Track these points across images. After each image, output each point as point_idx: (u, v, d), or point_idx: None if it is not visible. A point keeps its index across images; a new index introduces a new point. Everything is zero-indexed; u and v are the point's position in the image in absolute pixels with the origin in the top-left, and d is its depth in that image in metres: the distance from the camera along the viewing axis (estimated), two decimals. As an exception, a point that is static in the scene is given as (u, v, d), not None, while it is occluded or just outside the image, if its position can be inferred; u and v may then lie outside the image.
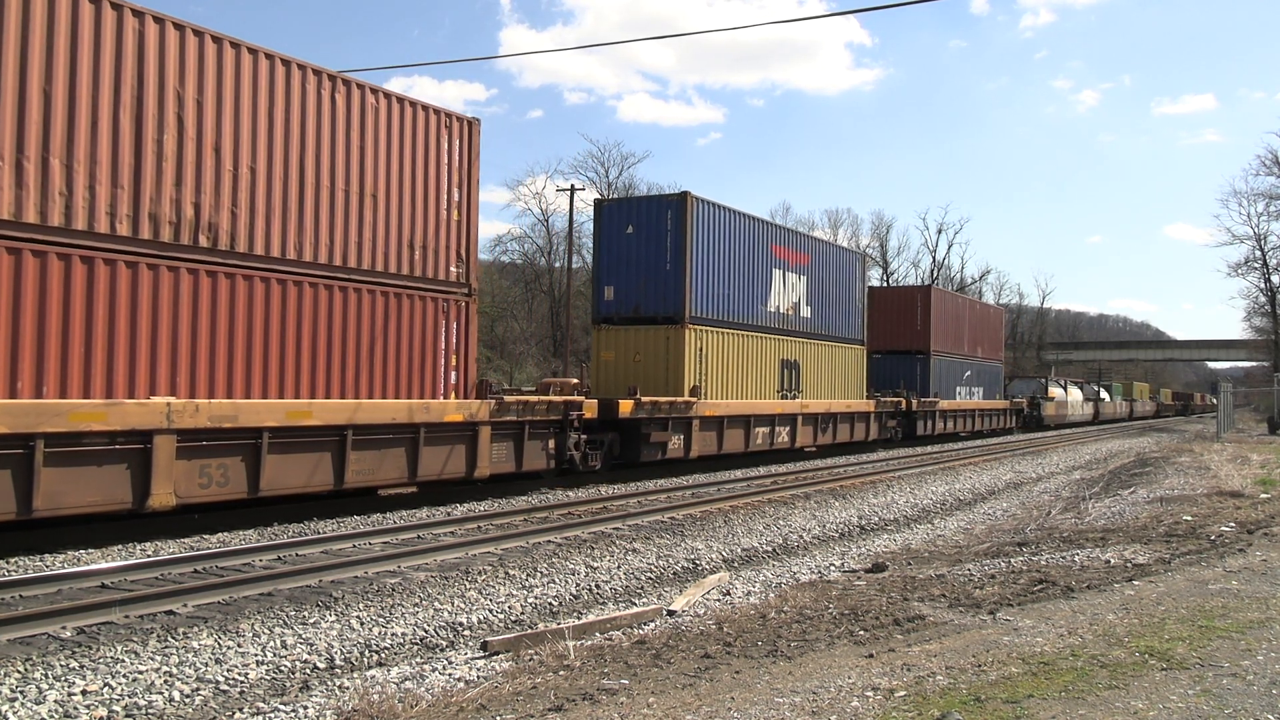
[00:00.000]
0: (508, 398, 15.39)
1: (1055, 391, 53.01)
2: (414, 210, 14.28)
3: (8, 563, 9.77)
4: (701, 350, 20.69)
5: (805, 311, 25.34)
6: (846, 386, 27.47)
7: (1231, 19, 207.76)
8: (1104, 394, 65.49)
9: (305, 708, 5.87)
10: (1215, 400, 51.65)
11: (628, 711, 5.12)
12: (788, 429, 24.12)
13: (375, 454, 13.29)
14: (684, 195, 20.47)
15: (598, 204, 22.59)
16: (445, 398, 14.53)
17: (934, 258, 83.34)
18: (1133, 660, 5.52)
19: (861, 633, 6.82)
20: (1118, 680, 5.12)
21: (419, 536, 11.61)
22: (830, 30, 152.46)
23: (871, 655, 5.99)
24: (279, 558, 10.11)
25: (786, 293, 24.43)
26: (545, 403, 16.22)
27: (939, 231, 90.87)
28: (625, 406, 18.09)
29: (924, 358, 34.30)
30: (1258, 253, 54.63)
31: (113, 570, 9.09)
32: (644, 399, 18.59)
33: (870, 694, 5.06)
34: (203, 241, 11.50)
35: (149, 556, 10.06)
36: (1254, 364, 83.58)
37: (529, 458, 15.96)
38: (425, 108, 14.54)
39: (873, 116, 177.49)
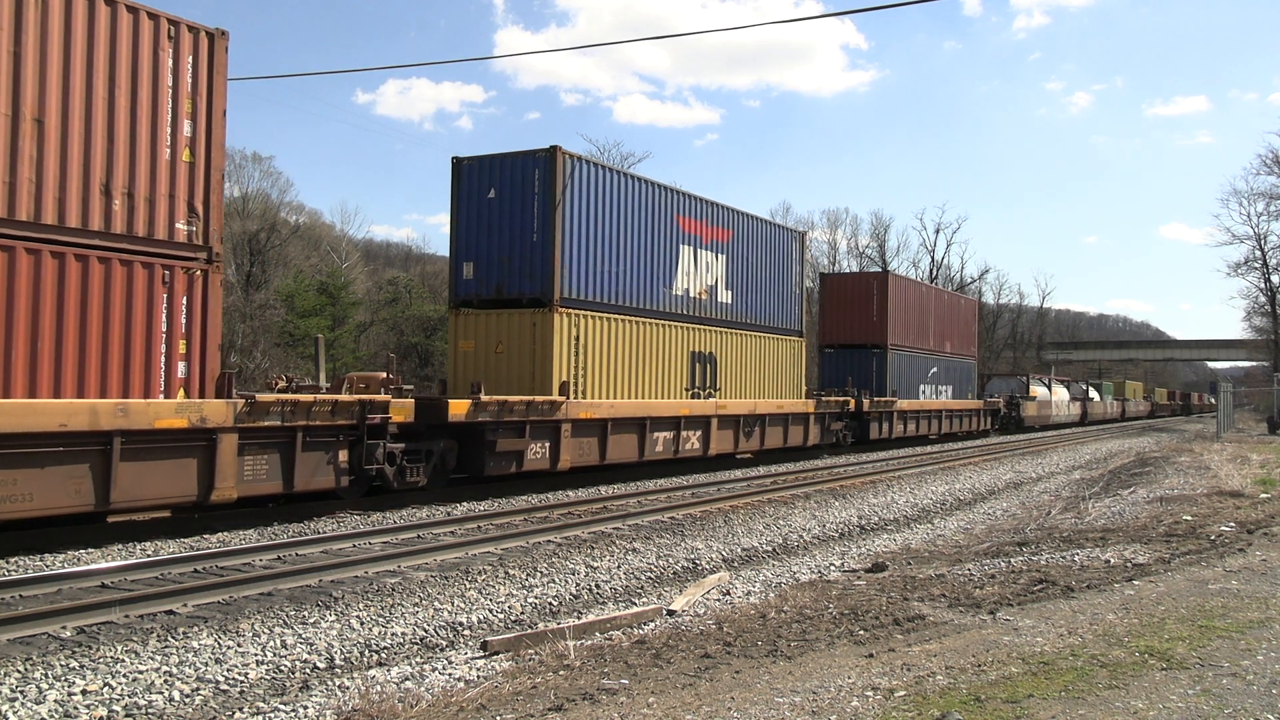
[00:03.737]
0: (264, 396, 12.00)
1: (1037, 390, 49.24)
2: (113, 145, 10.69)
3: (8, 563, 9.78)
4: (579, 339, 17.38)
5: (724, 297, 21.89)
6: (780, 384, 24.15)
7: (1223, 21, 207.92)
8: (1093, 393, 62.64)
9: (305, 707, 5.87)
10: (1214, 400, 51.39)
11: (628, 711, 5.12)
12: (699, 434, 20.45)
13: (34, 473, 9.69)
14: (553, 150, 16.98)
15: (455, 163, 18.11)
16: (169, 395, 11.10)
17: (933, 257, 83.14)
18: (1133, 660, 5.52)
19: (861, 632, 6.83)
20: (1118, 680, 5.12)
21: (419, 536, 11.61)
22: (825, 32, 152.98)
23: (871, 655, 6.00)
24: (279, 557, 10.12)
25: (699, 274, 20.90)
26: (328, 403, 12.67)
27: (937, 231, 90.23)
28: (459, 407, 14.61)
29: (881, 352, 31.02)
30: (1258, 252, 54.80)
31: (113, 570, 9.10)
32: (486, 398, 15.03)
33: (870, 694, 5.07)
34: None
35: (149, 556, 10.06)
36: (1254, 364, 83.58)
37: (307, 473, 12.48)
38: (134, 9, 10.87)
39: (869, 118, 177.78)
